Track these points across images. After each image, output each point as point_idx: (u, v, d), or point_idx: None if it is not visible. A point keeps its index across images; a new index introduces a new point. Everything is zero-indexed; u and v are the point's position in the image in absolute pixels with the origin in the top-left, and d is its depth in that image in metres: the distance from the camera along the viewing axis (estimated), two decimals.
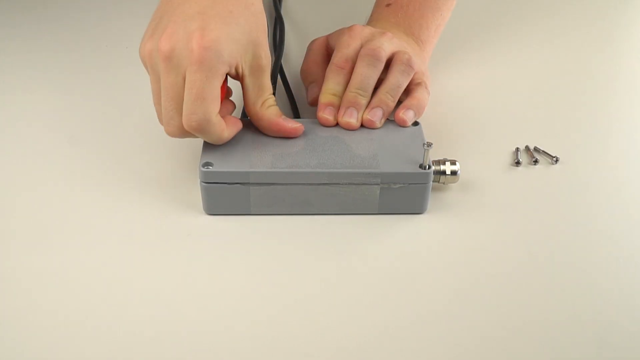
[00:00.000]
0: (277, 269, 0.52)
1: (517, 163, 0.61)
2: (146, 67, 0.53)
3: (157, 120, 0.55)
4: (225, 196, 0.54)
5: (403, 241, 0.54)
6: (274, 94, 0.57)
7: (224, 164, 0.53)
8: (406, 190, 0.54)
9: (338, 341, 0.47)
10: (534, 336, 0.47)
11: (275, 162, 0.54)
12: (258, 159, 0.54)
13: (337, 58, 0.61)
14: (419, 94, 0.61)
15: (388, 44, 0.61)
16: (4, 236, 0.54)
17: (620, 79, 0.74)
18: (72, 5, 0.82)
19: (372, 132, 0.58)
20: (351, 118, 0.59)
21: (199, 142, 0.56)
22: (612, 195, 0.59)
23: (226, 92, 0.56)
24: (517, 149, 0.62)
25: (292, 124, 0.57)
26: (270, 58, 0.56)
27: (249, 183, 0.54)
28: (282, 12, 0.80)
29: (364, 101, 0.59)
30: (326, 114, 0.59)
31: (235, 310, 0.49)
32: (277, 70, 0.69)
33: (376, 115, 0.59)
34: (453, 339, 0.47)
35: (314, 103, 0.62)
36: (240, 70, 0.53)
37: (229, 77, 0.55)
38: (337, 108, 0.59)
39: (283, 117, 0.57)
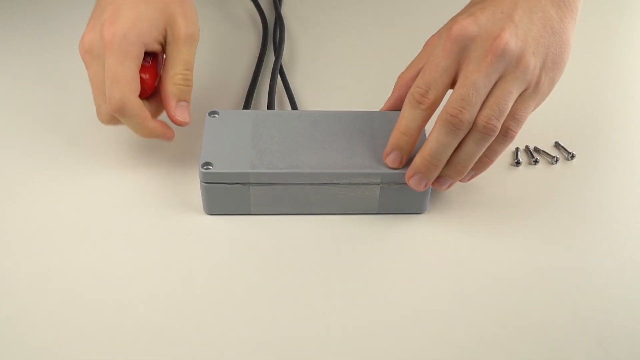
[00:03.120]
0: (277, 269, 0.52)
1: (517, 163, 0.61)
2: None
3: None
4: (225, 196, 0.54)
5: (403, 241, 0.54)
6: (272, 94, 0.56)
7: (224, 164, 0.53)
8: (406, 190, 0.54)
9: (338, 341, 0.47)
10: (534, 336, 0.47)
11: (275, 162, 0.54)
12: (258, 159, 0.54)
13: (417, 84, 0.51)
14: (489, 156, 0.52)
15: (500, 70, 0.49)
16: (3, 236, 0.54)
17: (621, 79, 0.74)
18: (72, 4, 0.82)
19: (372, 132, 0.58)
20: (417, 186, 0.52)
21: (199, 143, 0.56)
22: (612, 195, 0.59)
23: (156, 78, 0.56)
24: (517, 149, 0.62)
25: (181, 118, 0.55)
26: (198, 27, 0.56)
27: (249, 183, 0.54)
28: (282, 12, 0.80)
29: (434, 173, 0.52)
30: (389, 161, 0.53)
31: (235, 310, 0.49)
32: (277, 70, 0.69)
33: (443, 186, 0.53)
34: (453, 339, 0.47)
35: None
36: (164, 44, 0.55)
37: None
38: (405, 154, 0.52)
39: (183, 103, 0.55)
